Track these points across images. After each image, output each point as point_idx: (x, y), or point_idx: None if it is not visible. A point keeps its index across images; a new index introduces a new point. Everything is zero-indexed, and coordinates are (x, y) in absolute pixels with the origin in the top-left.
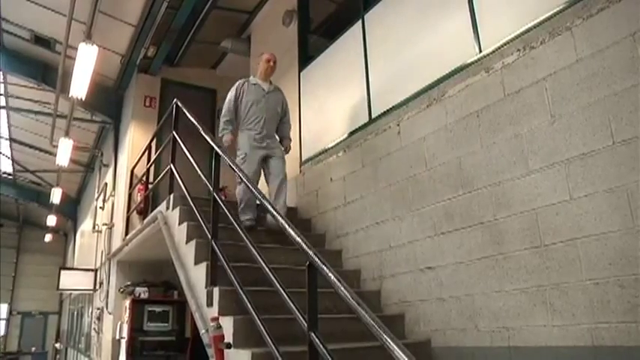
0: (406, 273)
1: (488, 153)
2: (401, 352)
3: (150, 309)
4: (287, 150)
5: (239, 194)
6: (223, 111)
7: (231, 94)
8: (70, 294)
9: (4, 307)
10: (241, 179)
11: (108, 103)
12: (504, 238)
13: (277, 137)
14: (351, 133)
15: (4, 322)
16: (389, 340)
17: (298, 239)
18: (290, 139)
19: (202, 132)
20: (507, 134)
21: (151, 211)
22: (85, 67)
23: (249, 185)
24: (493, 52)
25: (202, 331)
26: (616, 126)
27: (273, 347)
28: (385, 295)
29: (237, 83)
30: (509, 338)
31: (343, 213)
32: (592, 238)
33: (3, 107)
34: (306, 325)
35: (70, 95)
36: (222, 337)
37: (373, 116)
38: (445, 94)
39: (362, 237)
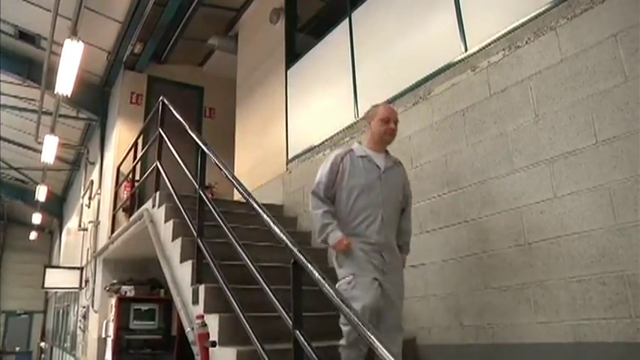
0: None
1: (474, 151)
2: (385, 351)
3: (136, 307)
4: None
5: (344, 329)
6: (313, 201)
7: (323, 170)
8: (56, 292)
9: None
10: (348, 319)
11: (94, 100)
12: (489, 236)
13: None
14: (338, 131)
15: None
16: (373, 338)
17: (283, 237)
18: (409, 249)
19: (188, 129)
20: (493, 133)
21: (137, 208)
22: (70, 63)
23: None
24: (479, 51)
25: (188, 329)
26: (599, 125)
27: (258, 345)
28: None
29: (333, 155)
30: (494, 335)
31: None
32: (575, 237)
33: None
34: (291, 322)
35: (55, 92)
36: (208, 335)
37: (360, 114)
38: (431, 93)
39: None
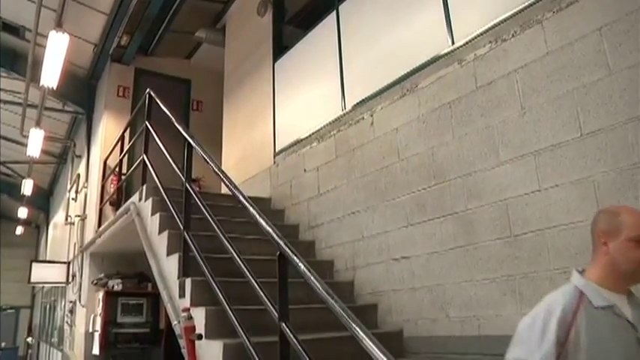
0: (379, 263)
1: (460, 144)
2: (370, 342)
3: (123, 301)
4: None
5: None
6: None
7: (531, 338)
8: (43, 287)
9: None
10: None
11: (80, 92)
12: (475, 228)
13: None
14: (325, 124)
15: None
16: (358, 329)
17: (269, 229)
18: None
19: (175, 122)
20: (479, 125)
21: (124, 202)
22: (55, 55)
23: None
24: (465, 44)
25: (174, 323)
26: (584, 118)
27: (245, 338)
28: (358, 286)
29: (545, 307)
30: (480, 327)
31: (317, 204)
32: (560, 228)
33: None
34: (277, 315)
35: (40, 84)
36: (194, 327)
37: (347, 107)
38: (418, 86)
39: (335, 228)
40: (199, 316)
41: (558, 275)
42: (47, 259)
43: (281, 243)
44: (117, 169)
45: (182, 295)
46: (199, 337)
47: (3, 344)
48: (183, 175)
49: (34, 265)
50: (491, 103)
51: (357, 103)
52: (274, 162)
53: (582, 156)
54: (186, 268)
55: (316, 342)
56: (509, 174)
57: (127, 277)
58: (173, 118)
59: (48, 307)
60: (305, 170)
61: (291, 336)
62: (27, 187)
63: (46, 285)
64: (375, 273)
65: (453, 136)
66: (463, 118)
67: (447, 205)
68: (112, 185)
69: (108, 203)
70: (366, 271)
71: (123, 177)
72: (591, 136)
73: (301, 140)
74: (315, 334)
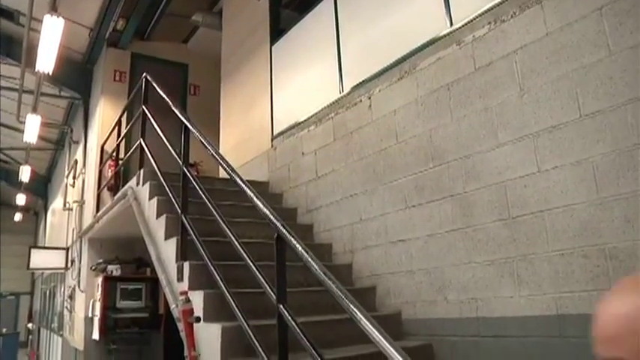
0: (377, 246)
1: (459, 126)
2: (368, 323)
3: (122, 286)
4: None
5: None
6: None
7: None
8: (42, 273)
9: None
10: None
11: (76, 77)
12: (474, 210)
13: None
14: (323, 107)
15: None
16: (356, 311)
17: (266, 211)
18: None
19: (172, 106)
20: (477, 107)
21: (122, 187)
22: (51, 40)
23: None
24: (464, 25)
25: (173, 306)
26: (583, 99)
27: (243, 320)
28: (357, 269)
29: None
30: (478, 309)
31: (315, 187)
32: (558, 210)
33: None
34: (275, 297)
35: (36, 70)
36: (192, 310)
37: (345, 90)
38: (416, 68)
39: (333, 211)
40: (197, 299)
41: (557, 257)
42: (46, 245)
43: (279, 225)
44: (114, 154)
45: (180, 278)
46: (197, 319)
47: (4, 330)
48: (180, 159)
49: (33, 251)
50: (490, 85)
51: (355, 86)
52: (272, 145)
53: (581, 137)
54: (185, 252)
55: (314, 324)
56: (507, 156)
57: (125, 263)
58: (170, 103)
59: (48, 293)
60: (303, 153)
61: (289, 318)
62: (25, 174)
63: (45, 271)
64: (374, 256)
65: (452, 118)
66: (462, 100)
67: (445, 187)
68: (110, 170)
69: (106, 188)
70: (365, 254)
71: (120, 162)
72: (590, 118)
73: (299, 123)
74: (313, 317)
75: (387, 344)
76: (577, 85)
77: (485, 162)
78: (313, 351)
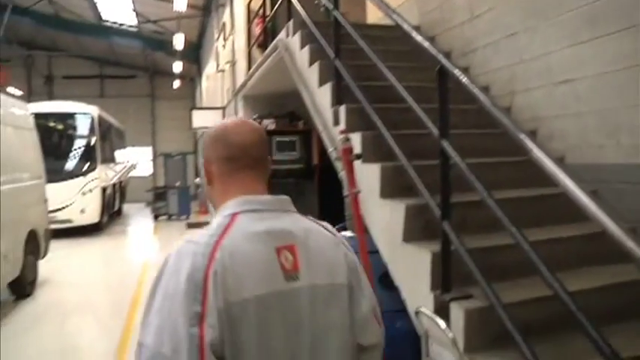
0: (539, 87)
1: None
2: (539, 153)
3: (278, 139)
4: None
5: None
6: None
7: None
8: (202, 133)
9: (149, 149)
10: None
11: None
12: None
13: None
14: None
15: (151, 163)
16: (527, 140)
17: (425, 44)
18: None
19: None
20: None
21: (271, 43)
22: None
23: None
24: None
25: (330, 149)
26: None
27: (404, 159)
28: (516, 112)
29: None
30: None
31: (470, 27)
32: None
33: None
34: (437, 133)
35: None
36: (351, 149)
37: None
38: None
39: (490, 52)
40: (355, 141)
41: None
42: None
43: (439, 57)
44: (261, 11)
45: (336, 122)
46: (358, 156)
47: (177, 183)
48: (331, 4)
49: (193, 112)
50: None
51: None
52: None
53: None
54: (340, 96)
55: (478, 165)
56: None
57: (278, 117)
58: None
59: None
60: None
61: (453, 154)
62: (178, 42)
63: (205, 130)
64: (535, 98)
65: None
66: None
67: (623, 18)
68: (258, 28)
69: (255, 46)
70: (525, 97)
71: (267, 18)
72: None
73: None
74: (473, 159)
75: (569, 183)
76: None
77: None
78: (479, 185)
